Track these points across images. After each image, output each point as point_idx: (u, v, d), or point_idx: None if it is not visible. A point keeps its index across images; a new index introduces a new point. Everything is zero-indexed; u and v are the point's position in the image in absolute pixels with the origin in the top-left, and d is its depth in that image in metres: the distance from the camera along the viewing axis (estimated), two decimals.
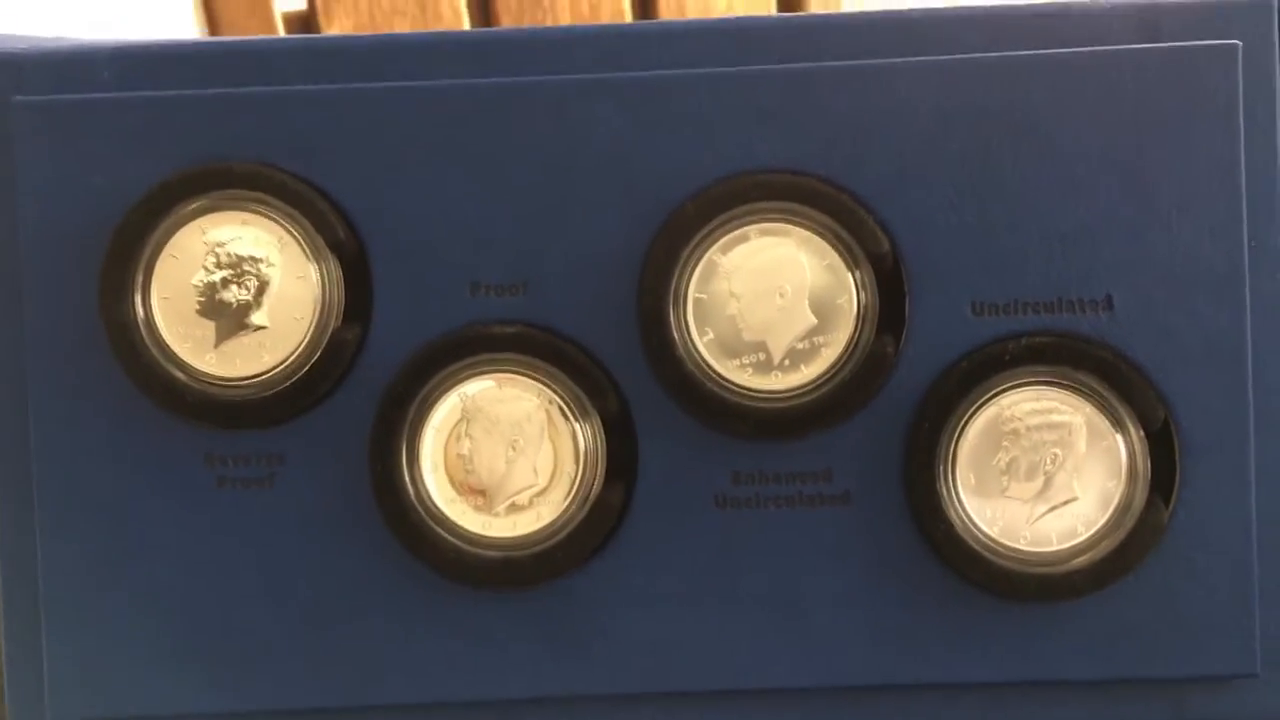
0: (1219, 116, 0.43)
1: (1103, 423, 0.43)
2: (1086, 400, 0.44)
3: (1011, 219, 0.43)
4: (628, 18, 0.94)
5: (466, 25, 0.92)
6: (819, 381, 0.44)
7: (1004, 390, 0.44)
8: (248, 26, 0.90)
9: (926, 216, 0.44)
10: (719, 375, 0.44)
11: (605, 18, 0.93)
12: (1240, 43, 0.43)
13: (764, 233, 0.44)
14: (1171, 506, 0.43)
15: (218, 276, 0.44)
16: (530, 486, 0.44)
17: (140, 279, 0.44)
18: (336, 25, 0.89)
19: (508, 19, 0.92)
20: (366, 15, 0.90)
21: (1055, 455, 0.43)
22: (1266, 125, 0.44)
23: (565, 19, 0.93)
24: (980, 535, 0.44)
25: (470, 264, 0.44)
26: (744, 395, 0.44)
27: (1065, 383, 0.44)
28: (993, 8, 0.44)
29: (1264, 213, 0.44)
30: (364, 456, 0.44)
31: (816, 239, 0.44)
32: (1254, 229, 0.43)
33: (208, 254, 0.44)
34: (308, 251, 0.44)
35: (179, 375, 0.44)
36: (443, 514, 0.44)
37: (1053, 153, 0.43)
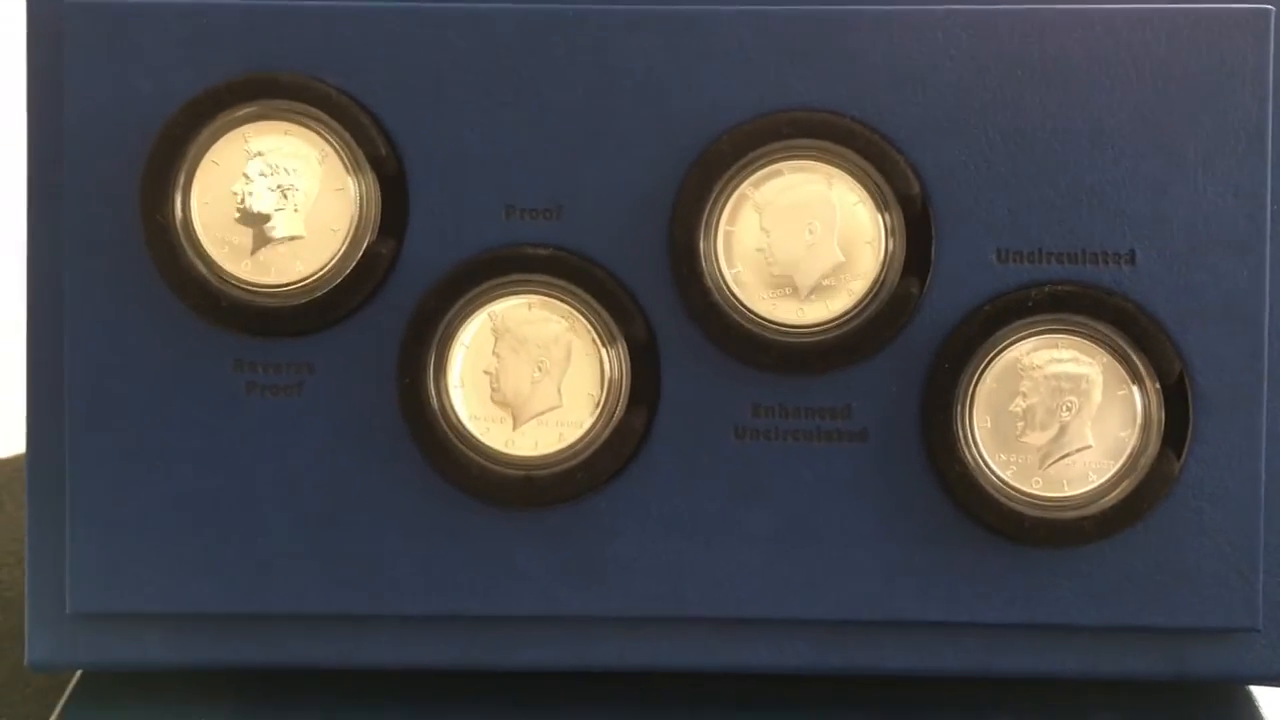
0: (1248, 80, 0.44)
1: (1119, 373, 0.44)
2: (1105, 350, 0.44)
3: (1039, 169, 0.44)
4: None
5: None
6: (843, 319, 0.45)
7: (1024, 337, 0.44)
8: None
9: (956, 162, 0.44)
10: (745, 307, 0.45)
11: None
12: (1273, 8, 0.44)
13: (796, 170, 0.45)
14: (1183, 459, 0.44)
15: (258, 185, 0.44)
16: (554, 408, 0.45)
17: (181, 182, 0.44)
18: None
19: None
20: None
21: (1071, 403, 0.44)
22: None
23: None
24: (993, 478, 0.44)
25: (506, 186, 0.45)
26: (768, 328, 0.44)
27: (1084, 332, 0.44)
28: None
29: None
30: (393, 370, 0.45)
31: (848, 178, 0.44)
32: (1277, 191, 0.44)
33: (249, 162, 0.44)
34: (347, 165, 0.45)
35: (213, 280, 0.44)
36: (467, 431, 0.45)
37: (1083, 106, 0.44)
